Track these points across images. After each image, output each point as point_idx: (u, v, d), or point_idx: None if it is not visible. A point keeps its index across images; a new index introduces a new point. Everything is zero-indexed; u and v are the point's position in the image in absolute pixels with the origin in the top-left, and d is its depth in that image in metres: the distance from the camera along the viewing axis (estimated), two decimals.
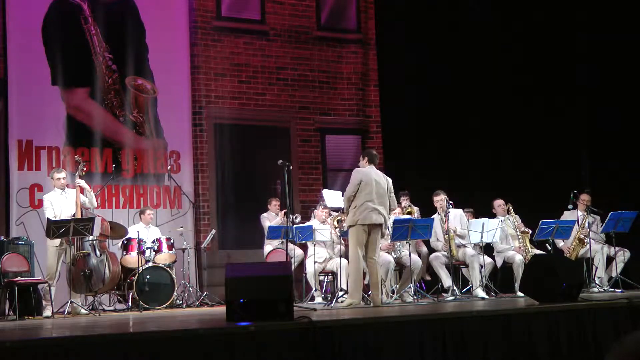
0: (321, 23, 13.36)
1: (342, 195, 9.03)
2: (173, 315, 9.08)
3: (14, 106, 11.03)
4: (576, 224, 10.53)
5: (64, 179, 9.82)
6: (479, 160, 12.55)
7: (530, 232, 10.35)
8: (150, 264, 10.37)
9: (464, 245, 10.15)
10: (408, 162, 12.47)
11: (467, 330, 6.11)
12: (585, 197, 10.74)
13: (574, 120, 12.69)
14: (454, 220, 10.19)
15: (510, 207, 10.54)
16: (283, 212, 11.21)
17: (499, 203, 10.63)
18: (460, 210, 10.43)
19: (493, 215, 10.53)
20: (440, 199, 10.18)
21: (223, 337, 5.28)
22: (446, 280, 10.06)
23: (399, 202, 11.01)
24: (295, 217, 10.93)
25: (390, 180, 8.83)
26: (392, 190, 8.79)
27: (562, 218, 10.50)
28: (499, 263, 10.40)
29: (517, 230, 10.45)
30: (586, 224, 10.57)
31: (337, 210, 10.07)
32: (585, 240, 10.52)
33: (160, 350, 5.05)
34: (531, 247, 10.37)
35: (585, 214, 10.63)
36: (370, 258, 8.52)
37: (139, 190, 11.79)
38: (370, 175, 8.63)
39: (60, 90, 11.38)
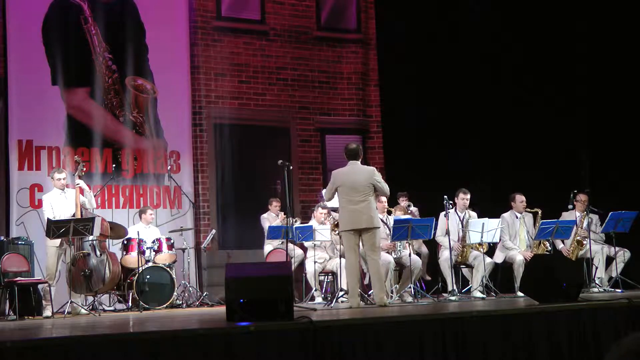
0: (321, 23, 13.36)
1: None
2: (173, 315, 9.08)
3: (14, 106, 11.03)
4: (575, 224, 10.51)
5: (64, 179, 9.83)
6: (479, 160, 12.55)
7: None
8: (150, 264, 10.37)
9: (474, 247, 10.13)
10: (408, 162, 12.47)
11: (467, 330, 6.11)
12: (583, 197, 10.71)
13: (574, 120, 12.69)
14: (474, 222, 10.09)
15: (539, 212, 10.38)
16: (283, 213, 11.21)
17: (521, 199, 10.42)
18: (475, 214, 10.35)
19: (500, 210, 10.43)
20: (467, 198, 10.13)
21: (223, 337, 5.28)
22: (452, 284, 9.97)
23: (397, 203, 11.01)
24: (295, 221, 10.91)
25: (371, 170, 8.60)
26: (379, 180, 8.47)
27: (561, 219, 10.49)
28: (500, 258, 10.36)
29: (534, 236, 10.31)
30: (584, 224, 10.55)
31: (336, 210, 10.06)
32: (584, 242, 10.51)
33: (160, 350, 5.05)
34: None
35: (583, 214, 10.62)
36: (370, 258, 8.48)
37: (138, 190, 11.79)
38: (347, 176, 8.46)
39: (60, 90, 11.38)
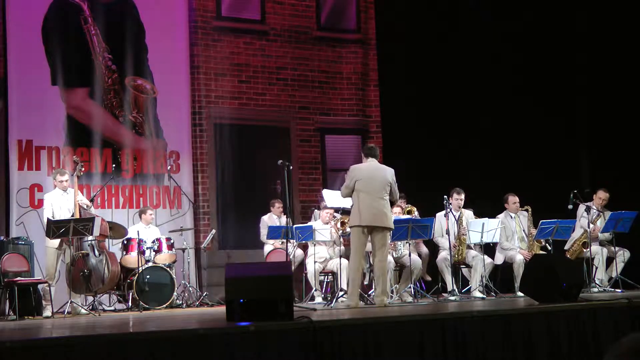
0: (321, 23, 13.35)
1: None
2: (173, 315, 9.08)
3: (14, 106, 11.02)
4: (580, 220, 10.50)
5: (66, 181, 9.83)
6: (479, 160, 12.55)
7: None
8: (150, 264, 10.37)
9: (469, 246, 10.14)
10: (408, 162, 12.45)
11: (467, 330, 6.11)
12: (603, 195, 10.69)
13: (574, 120, 12.69)
14: (467, 221, 10.14)
15: (529, 209, 10.39)
16: (284, 215, 11.19)
17: (514, 200, 10.46)
18: (471, 212, 10.39)
19: (498, 211, 10.47)
20: (461, 198, 10.16)
21: (223, 337, 5.28)
22: (452, 284, 9.98)
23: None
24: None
25: (391, 171, 8.57)
26: (395, 182, 8.51)
27: (578, 211, 10.50)
28: (500, 260, 10.37)
29: (528, 234, 10.33)
30: (597, 223, 10.56)
31: (337, 210, 10.07)
32: (587, 245, 10.50)
33: (160, 350, 5.05)
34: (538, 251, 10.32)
35: (601, 211, 10.61)
36: (376, 258, 8.43)
37: (138, 190, 11.79)
38: (367, 172, 8.42)
39: (60, 90, 11.37)
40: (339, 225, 10.13)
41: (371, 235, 8.38)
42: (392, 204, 8.69)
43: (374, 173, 8.42)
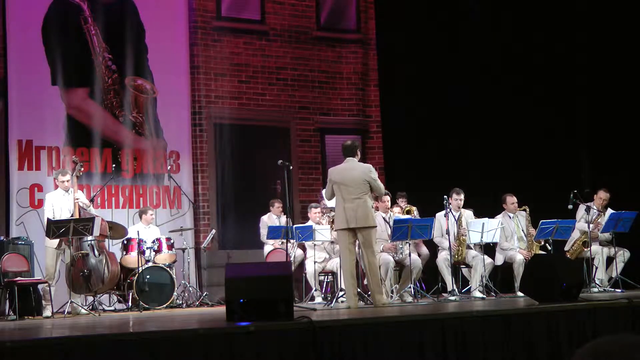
0: (321, 23, 13.35)
1: None
2: (173, 315, 9.09)
3: (14, 106, 11.03)
4: (582, 220, 10.50)
5: (67, 181, 9.83)
6: (479, 160, 12.55)
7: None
8: (150, 264, 10.37)
9: (469, 246, 10.14)
10: (408, 162, 12.47)
11: (467, 330, 6.11)
12: (603, 195, 10.69)
13: (574, 120, 12.69)
14: (467, 221, 10.14)
15: (527, 209, 10.38)
16: (284, 215, 11.19)
17: (512, 200, 10.46)
18: (471, 212, 10.39)
19: (499, 211, 10.47)
20: (460, 198, 10.16)
21: (223, 337, 5.28)
22: (452, 284, 9.97)
23: (396, 203, 10.99)
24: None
25: (367, 167, 8.54)
26: (375, 178, 8.42)
27: (578, 212, 10.50)
28: (500, 261, 10.37)
29: (527, 234, 10.33)
30: (599, 222, 10.56)
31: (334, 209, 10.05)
32: (587, 245, 10.51)
33: (160, 350, 5.05)
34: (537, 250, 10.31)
35: (601, 212, 10.61)
36: (366, 258, 8.41)
37: (138, 190, 11.79)
38: (343, 173, 8.39)
39: (60, 90, 11.37)
40: (331, 222, 10.14)
41: (357, 235, 8.36)
42: (394, 201, 8.65)
43: (349, 174, 8.37)
